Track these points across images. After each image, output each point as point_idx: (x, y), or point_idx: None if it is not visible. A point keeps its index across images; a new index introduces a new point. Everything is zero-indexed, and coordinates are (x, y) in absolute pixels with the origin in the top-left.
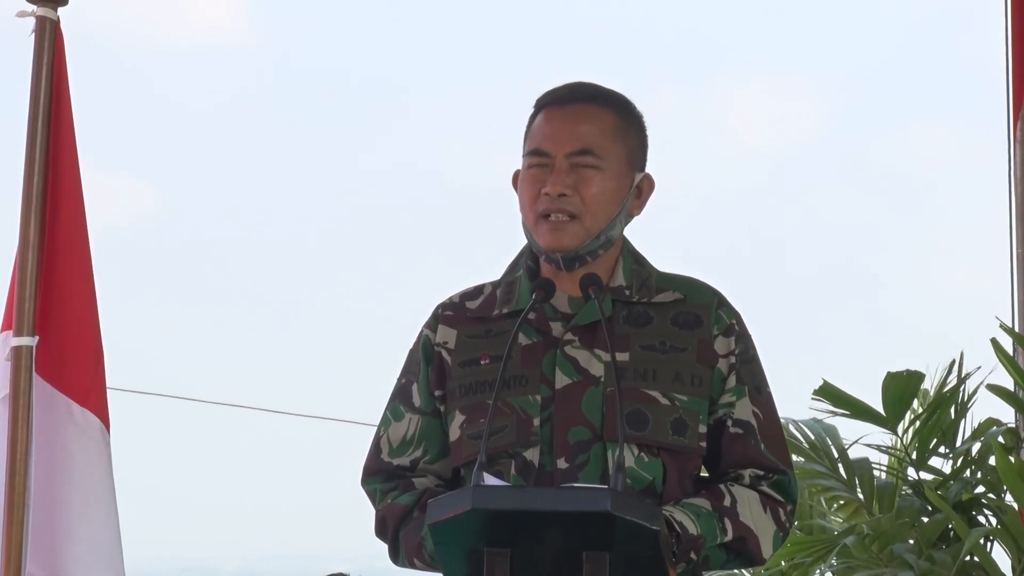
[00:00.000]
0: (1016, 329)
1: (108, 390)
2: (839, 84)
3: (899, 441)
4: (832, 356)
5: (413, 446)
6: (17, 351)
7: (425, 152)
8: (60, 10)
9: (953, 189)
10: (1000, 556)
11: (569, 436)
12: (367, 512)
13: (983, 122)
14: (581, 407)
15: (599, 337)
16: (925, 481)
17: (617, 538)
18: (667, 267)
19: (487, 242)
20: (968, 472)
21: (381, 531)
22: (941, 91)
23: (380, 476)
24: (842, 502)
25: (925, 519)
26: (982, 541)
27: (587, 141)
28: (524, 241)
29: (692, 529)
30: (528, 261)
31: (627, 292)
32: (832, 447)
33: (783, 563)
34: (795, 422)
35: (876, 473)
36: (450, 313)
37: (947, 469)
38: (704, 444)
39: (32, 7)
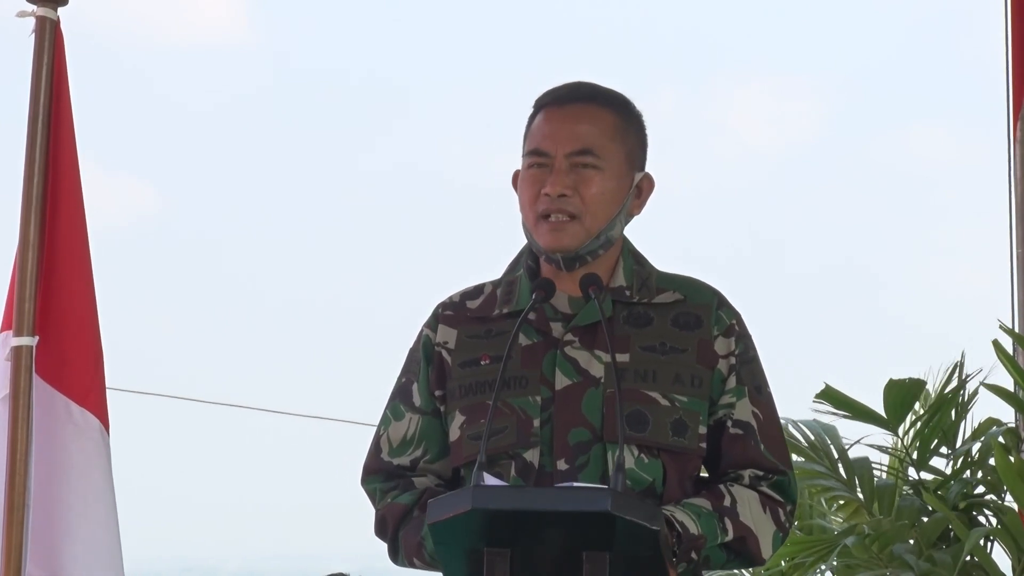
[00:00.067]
0: (1016, 330)
1: (108, 390)
2: (839, 84)
3: (900, 442)
4: (832, 356)
5: (413, 446)
6: (17, 351)
7: (425, 152)
8: (60, 10)
9: (953, 189)
10: (1000, 556)
11: (569, 437)
12: (367, 512)
13: (983, 122)
14: (581, 408)
15: (599, 338)
16: (925, 481)
17: (617, 538)
18: (667, 267)
19: (487, 242)
20: (968, 472)
21: (381, 531)
22: (941, 91)
23: (380, 475)
24: (842, 502)
25: (925, 519)
26: (982, 542)
27: (587, 141)
28: (524, 241)
29: (693, 529)
30: (528, 261)
31: (627, 292)
32: (832, 447)
33: (783, 563)
34: (795, 422)
35: (876, 473)
36: (450, 313)
37: (948, 469)
38: (704, 445)
39: (32, 7)
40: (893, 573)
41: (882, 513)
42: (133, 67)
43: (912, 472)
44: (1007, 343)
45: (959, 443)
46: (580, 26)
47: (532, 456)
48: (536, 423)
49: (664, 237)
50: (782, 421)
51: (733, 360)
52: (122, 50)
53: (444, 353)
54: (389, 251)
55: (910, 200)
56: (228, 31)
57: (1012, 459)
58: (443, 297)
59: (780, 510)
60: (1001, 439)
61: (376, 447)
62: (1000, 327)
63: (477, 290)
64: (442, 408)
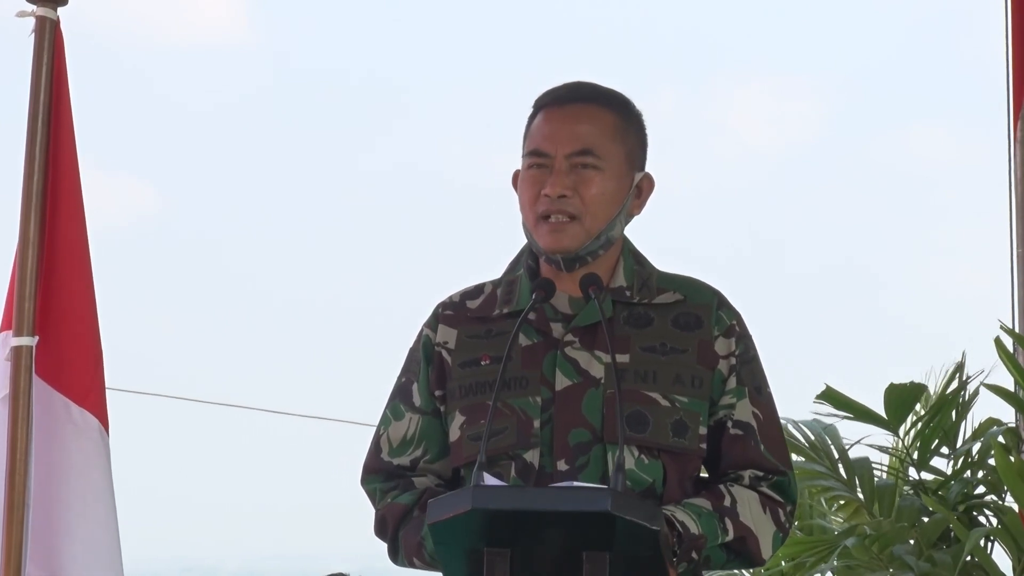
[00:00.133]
0: (1016, 330)
1: (107, 390)
2: (839, 84)
3: (900, 442)
4: (832, 356)
5: (413, 445)
6: (17, 351)
7: (425, 152)
8: (60, 10)
9: (953, 189)
10: (1000, 556)
11: (569, 438)
12: (367, 512)
13: (983, 122)
14: (581, 409)
15: (599, 338)
16: (925, 482)
17: (617, 538)
18: (667, 267)
19: (487, 242)
20: (968, 472)
21: (381, 530)
22: (941, 91)
23: (380, 475)
24: (842, 502)
25: (925, 519)
26: (982, 542)
27: (587, 141)
28: (524, 241)
29: (694, 529)
30: (529, 260)
31: (628, 293)
32: (832, 447)
33: (783, 564)
34: (795, 422)
35: (877, 473)
36: (450, 313)
37: (948, 470)
38: (704, 446)
39: (32, 7)
40: (893, 574)
41: (882, 513)
42: (133, 67)
43: (912, 472)
44: (1008, 343)
45: (959, 443)
46: (580, 26)
47: (532, 457)
48: (536, 424)
49: (664, 237)
50: (782, 421)
51: (733, 360)
52: (122, 50)
53: (444, 353)
54: (389, 251)
55: (910, 200)
56: (228, 31)
57: (1012, 459)
58: (443, 297)
59: (780, 510)
60: (1001, 439)
61: (376, 447)
62: (1001, 327)
63: (477, 290)
64: (442, 408)
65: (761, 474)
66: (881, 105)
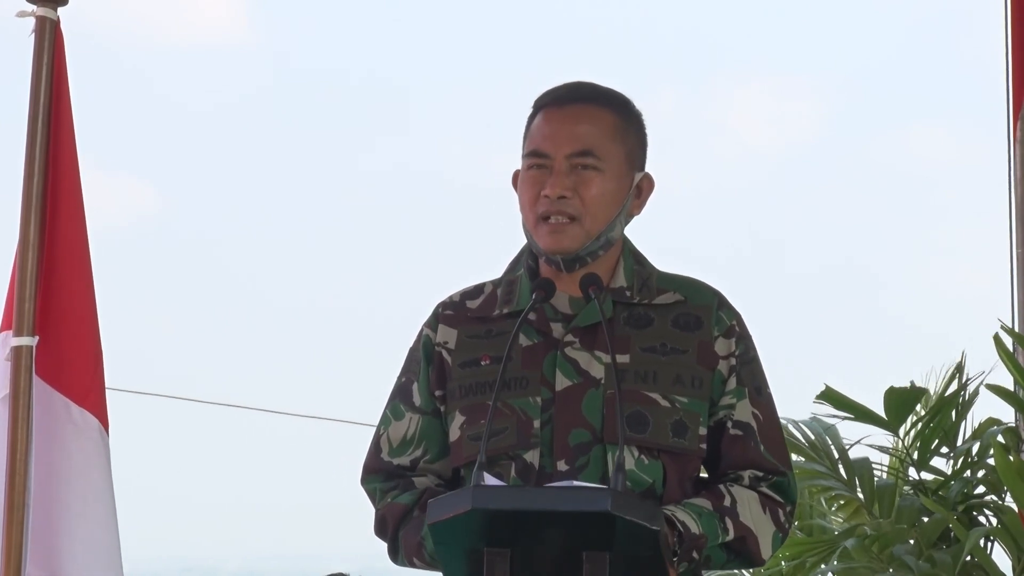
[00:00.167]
0: (1016, 329)
1: (107, 390)
2: (839, 84)
3: (900, 442)
4: (832, 356)
5: (413, 445)
6: (17, 351)
7: (425, 152)
8: (60, 10)
9: (953, 189)
10: (1000, 556)
11: (569, 438)
12: (366, 512)
13: (983, 122)
14: (581, 409)
15: (600, 339)
16: (925, 482)
17: (617, 538)
18: (667, 267)
19: (487, 242)
20: (968, 472)
21: (381, 530)
22: (941, 91)
23: (380, 475)
24: (842, 502)
25: (925, 519)
26: (982, 542)
27: (586, 142)
28: (524, 241)
29: (694, 528)
30: (529, 260)
31: (628, 293)
32: (833, 447)
33: (783, 564)
34: (795, 422)
35: (877, 473)
36: (450, 313)
37: (948, 470)
38: (704, 446)
39: (32, 7)
40: (893, 574)
41: (882, 513)
42: (133, 67)
43: (912, 472)
44: (1008, 342)
45: (959, 443)
46: (580, 26)
47: (532, 457)
48: (536, 424)
49: (664, 237)
50: (783, 421)
51: (733, 361)
52: (122, 50)
53: (444, 353)
54: (389, 251)
55: (910, 200)
56: (228, 31)
57: (1012, 459)
58: (443, 297)
59: (780, 511)
60: (1001, 439)
61: (376, 447)
62: (1001, 327)
63: (477, 290)
64: (442, 408)
65: (761, 474)
66: (881, 105)
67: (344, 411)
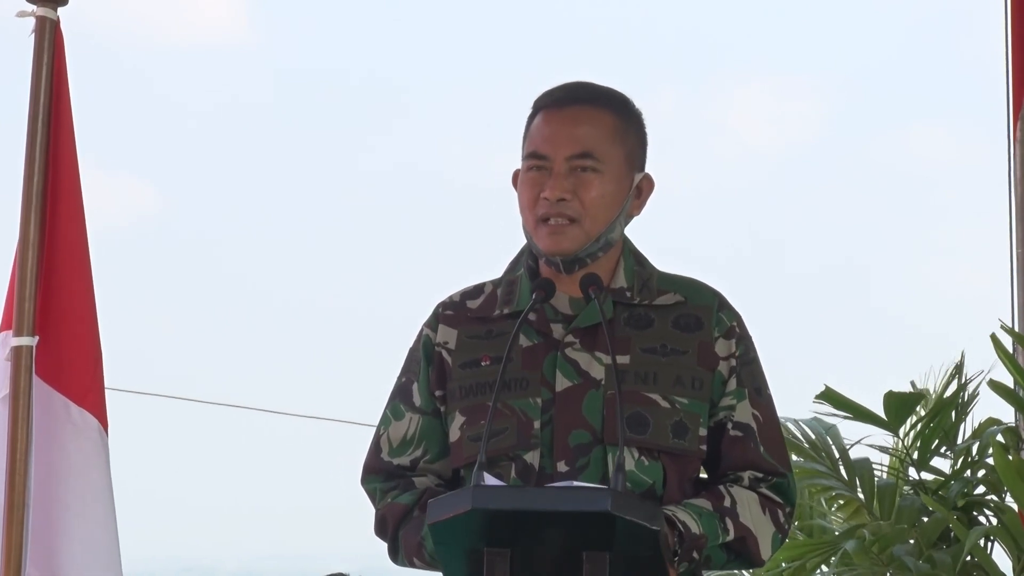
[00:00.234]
0: (1016, 329)
1: (107, 390)
2: (839, 84)
3: (900, 442)
4: (832, 356)
5: (413, 446)
6: (17, 351)
7: (425, 152)
8: (60, 10)
9: (953, 189)
10: (1000, 556)
11: (569, 439)
12: (366, 512)
13: (983, 122)
14: (582, 410)
15: (600, 339)
16: (926, 482)
17: (617, 538)
18: (667, 267)
19: (487, 242)
20: (968, 472)
21: (381, 530)
22: (941, 91)
23: (380, 475)
24: (842, 502)
25: (925, 519)
26: (982, 541)
27: (586, 144)
28: (524, 241)
29: (695, 528)
30: (529, 260)
31: (628, 294)
32: (833, 447)
33: (783, 565)
34: (796, 422)
35: (877, 473)
36: (451, 313)
37: (948, 470)
38: (704, 447)
39: (32, 7)
40: (893, 575)
41: (882, 513)
42: (133, 67)
43: (912, 472)
44: (1007, 342)
45: (959, 443)
46: (580, 26)
47: (532, 458)
48: (536, 425)
49: (664, 237)
50: (783, 421)
51: (734, 362)
52: (122, 50)
53: (444, 353)
54: (389, 251)
55: (910, 200)
56: (228, 31)
57: (1012, 458)
58: (443, 297)
59: (779, 511)
60: (1000, 438)
61: (376, 447)
62: (1001, 327)
63: (477, 290)
64: (442, 408)
65: (760, 475)
66: (881, 105)
67: (343, 411)
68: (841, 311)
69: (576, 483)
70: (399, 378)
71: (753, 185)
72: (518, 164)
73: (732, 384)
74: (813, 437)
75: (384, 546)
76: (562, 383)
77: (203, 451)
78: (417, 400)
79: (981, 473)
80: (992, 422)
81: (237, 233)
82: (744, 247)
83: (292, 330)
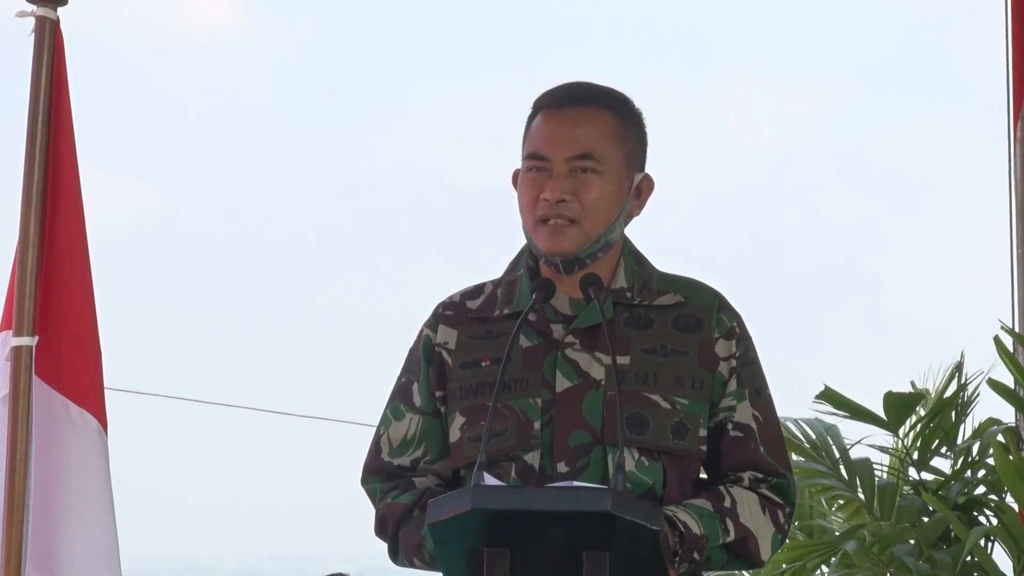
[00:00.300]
0: (1016, 329)
1: (107, 390)
2: (839, 84)
3: (900, 442)
4: (832, 356)
5: (414, 446)
6: (17, 351)
7: (425, 152)
8: (60, 10)
9: (953, 189)
10: (1000, 556)
11: (570, 440)
12: (365, 512)
13: (983, 122)
14: (582, 411)
15: (600, 340)
16: (926, 482)
17: (617, 538)
18: (667, 267)
19: (487, 242)
20: (968, 472)
21: (381, 530)
22: (941, 91)
23: (380, 475)
24: (843, 502)
25: (926, 519)
26: (983, 542)
27: (586, 145)
28: (524, 241)
29: (696, 529)
30: (529, 260)
31: (628, 294)
32: (833, 447)
33: (784, 566)
34: (796, 421)
35: (877, 473)
36: (451, 313)
37: (948, 470)
38: (704, 448)
39: (32, 7)
40: (893, 575)
41: (883, 513)
42: (133, 67)
43: (913, 472)
44: (1008, 342)
45: (959, 443)
46: (580, 26)
47: (532, 458)
48: (536, 425)
49: (664, 237)
50: (783, 421)
51: (734, 363)
52: (122, 50)
53: (444, 354)
54: (389, 251)
55: (910, 200)
56: (228, 31)
57: (1012, 458)
58: (443, 297)
59: (779, 512)
60: (1001, 438)
61: (376, 447)
62: (1002, 328)
63: (477, 290)
64: (442, 409)
65: (760, 476)
66: (881, 105)
67: (343, 411)
68: (841, 311)
69: (576, 483)
70: (399, 378)
71: (753, 185)
72: (518, 164)
73: (732, 385)
74: (813, 437)
75: (384, 546)
76: (562, 383)
77: (203, 451)
78: (417, 400)
79: (981, 473)
80: (992, 422)
81: (237, 233)
82: (744, 247)
83: (292, 330)
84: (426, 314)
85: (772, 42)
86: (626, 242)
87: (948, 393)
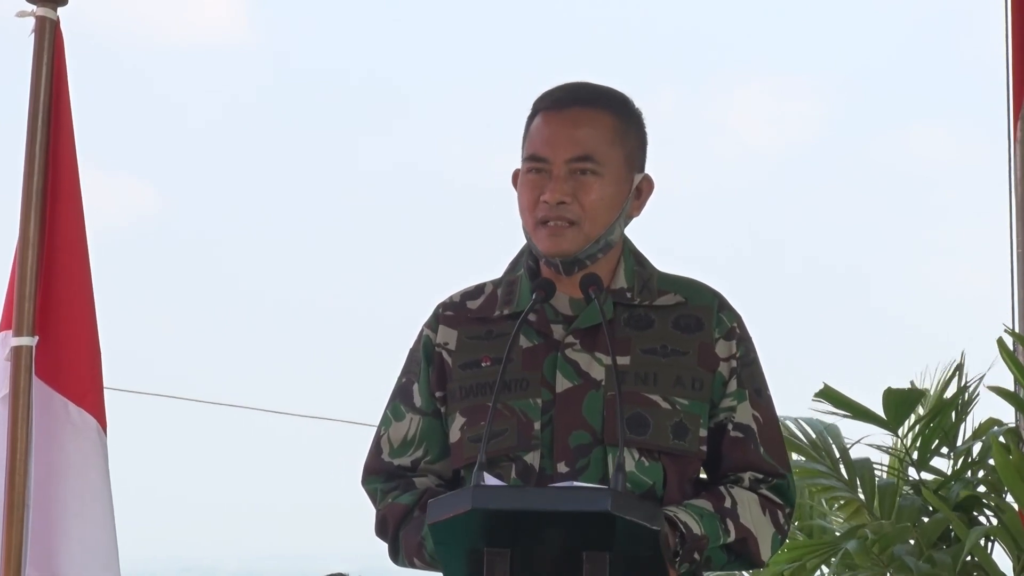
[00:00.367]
0: (1016, 329)
1: (106, 390)
2: (839, 84)
3: (900, 442)
4: (832, 356)
5: (414, 446)
6: (17, 351)
7: (425, 152)
8: (60, 10)
9: (953, 189)
10: (1000, 556)
11: (570, 440)
12: (366, 512)
13: (983, 122)
14: (582, 411)
15: (600, 340)
16: (926, 481)
17: (617, 538)
18: (667, 267)
19: (487, 242)
20: (969, 472)
21: (381, 531)
22: (941, 91)
23: (381, 476)
24: (843, 502)
25: (926, 519)
26: (982, 541)
27: (586, 147)
28: (524, 241)
29: (696, 529)
30: (529, 261)
31: (628, 295)
32: (834, 447)
33: (784, 565)
34: (796, 421)
35: (877, 473)
36: (451, 313)
37: (948, 469)
38: (704, 448)
39: (32, 7)
40: (893, 575)
41: (883, 513)
42: (133, 67)
43: (913, 472)
44: (1009, 343)
45: (959, 443)
46: (580, 26)
47: (532, 459)
48: (537, 426)
49: (664, 237)
50: (783, 420)
51: (734, 363)
52: (122, 50)
53: (445, 354)
54: (389, 251)
55: (910, 200)
56: (228, 31)
57: (1012, 458)
58: (443, 297)
59: (779, 512)
60: (1001, 439)
61: (376, 447)
62: (1005, 330)
63: (478, 290)
64: (443, 409)
65: (761, 476)
66: (881, 105)
67: (343, 411)
68: (841, 311)
69: (576, 483)
70: (399, 379)
71: (753, 185)
72: (518, 164)
73: (732, 385)
74: (813, 436)
75: (384, 546)
76: (562, 384)
77: (203, 451)
78: (417, 401)
79: (981, 473)
80: (993, 422)
81: (237, 233)
82: (744, 247)
83: (292, 330)
84: (426, 314)
85: (772, 42)
86: (626, 242)
87: (948, 393)
